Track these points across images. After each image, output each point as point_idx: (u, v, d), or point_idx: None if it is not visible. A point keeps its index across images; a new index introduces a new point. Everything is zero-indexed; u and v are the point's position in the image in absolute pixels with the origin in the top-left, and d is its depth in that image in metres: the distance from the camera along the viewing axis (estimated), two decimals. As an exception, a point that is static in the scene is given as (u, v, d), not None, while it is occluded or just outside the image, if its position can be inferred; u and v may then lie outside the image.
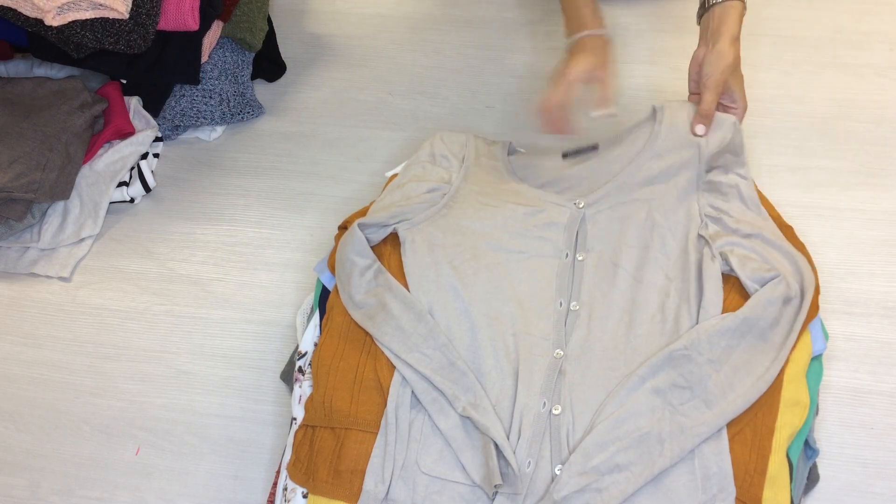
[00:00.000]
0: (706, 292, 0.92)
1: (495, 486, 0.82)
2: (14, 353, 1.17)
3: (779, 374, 0.89)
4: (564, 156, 1.09)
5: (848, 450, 0.99)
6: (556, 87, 1.04)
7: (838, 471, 0.98)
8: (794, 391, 0.90)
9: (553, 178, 1.08)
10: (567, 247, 1.00)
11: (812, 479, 0.95)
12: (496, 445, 0.84)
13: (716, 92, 1.02)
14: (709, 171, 1.03)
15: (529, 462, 0.84)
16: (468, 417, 0.87)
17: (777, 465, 0.85)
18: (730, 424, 0.86)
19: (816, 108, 1.31)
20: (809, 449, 0.94)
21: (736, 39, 1.02)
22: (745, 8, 1.04)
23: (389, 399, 0.89)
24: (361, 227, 1.01)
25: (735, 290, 0.94)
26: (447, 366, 0.90)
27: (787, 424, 0.88)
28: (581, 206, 1.03)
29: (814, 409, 0.93)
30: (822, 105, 1.31)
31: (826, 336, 0.96)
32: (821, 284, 1.00)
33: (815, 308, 0.94)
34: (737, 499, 0.83)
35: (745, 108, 1.06)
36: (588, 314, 0.94)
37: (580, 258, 0.99)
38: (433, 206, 1.04)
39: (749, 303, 0.91)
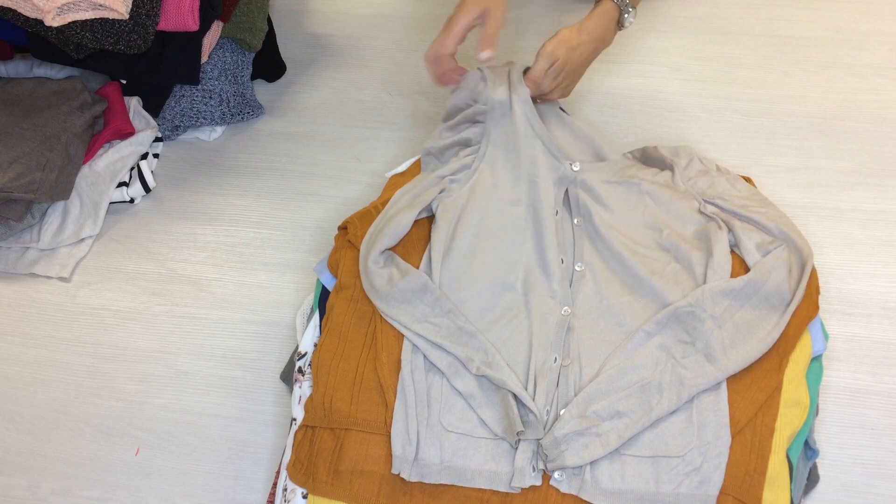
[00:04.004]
0: (715, 254, 0.96)
1: (518, 434, 0.85)
2: (14, 353, 1.17)
3: (779, 375, 0.90)
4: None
5: (848, 450, 0.99)
6: (442, 38, 1.06)
7: (838, 471, 0.98)
8: (794, 391, 0.90)
9: (550, 130, 1.11)
10: (557, 204, 1.04)
11: (812, 479, 0.95)
12: (514, 396, 0.87)
13: (543, 60, 1.06)
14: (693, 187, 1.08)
15: (548, 410, 0.88)
16: (483, 376, 0.90)
17: (777, 466, 0.85)
18: (732, 421, 0.86)
19: (816, 108, 1.31)
20: (809, 449, 0.94)
21: (581, 30, 1.06)
22: (616, 10, 1.08)
23: (403, 366, 0.91)
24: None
25: (743, 269, 0.97)
26: (456, 331, 0.93)
27: (786, 425, 0.88)
28: (575, 168, 1.06)
29: (814, 410, 0.93)
30: (822, 105, 1.31)
31: (826, 336, 0.96)
32: (821, 284, 1.00)
33: (814, 308, 0.94)
34: (737, 499, 0.83)
35: (533, 78, 1.06)
36: (593, 275, 0.98)
37: (577, 222, 1.03)
38: (466, 168, 1.08)
39: (755, 267, 0.95)
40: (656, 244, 1.00)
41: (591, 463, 0.84)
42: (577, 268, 0.99)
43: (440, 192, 1.05)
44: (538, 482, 0.85)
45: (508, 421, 0.86)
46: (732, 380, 0.89)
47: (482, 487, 0.85)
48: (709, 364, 0.88)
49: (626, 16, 1.09)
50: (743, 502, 0.83)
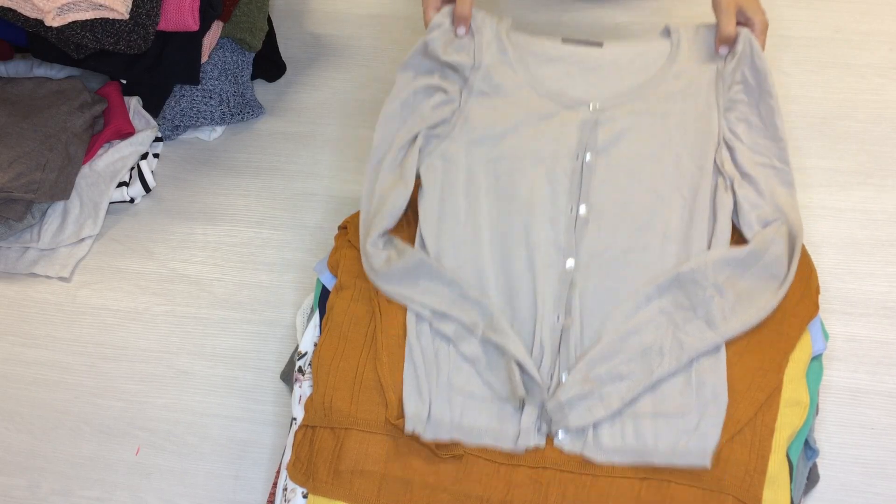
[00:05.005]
0: (718, 221, 0.96)
1: (521, 401, 0.88)
2: (14, 353, 1.17)
3: (779, 375, 0.90)
4: (564, 41, 1.07)
5: (848, 450, 1.00)
6: (426, 17, 1.07)
7: (838, 471, 0.98)
8: (794, 391, 0.90)
9: (564, 80, 1.06)
10: (580, 148, 1.01)
11: (812, 479, 0.95)
12: (517, 363, 0.89)
13: (730, 12, 1.01)
14: (731, 87, 1.02)
15: (550, 373, 0.90)
16: (488, 341, 0.91)
17: (777, 466, 0.85)
18: (728, 420, 0.87)
19: (816, 108, 1.31)
20: (809, 449, 0.94)
21: None
22: None
23: (409, 332, 0.93)
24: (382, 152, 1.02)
25: (738, 236, 0.97)
26: (459, 299, 0.94)
27: (787, 424, 0.88)
28: (595, 107, 1.03)
29: (814, 410, 0.93)
30: (821, 105, 1.31)
31: (826, 336, 0.96)
32: (821, 284, 1.00)
33: (814, 308, 0.94)
34: (737, 498, 0.83)
35: (763, 26, 1.03)
36: (598, 221, 0.97)
37: (589, 159, 1.00)
38: (444, 123, 1.04)
39: (755, 238, 0.95)
40: (679, 193, 0.98)
41: (594, 423, 0.87)
42: (581, 211, 0.97)
43: (419, 151, 1.02)
44: (542, 442, 0.87)
45: (512, 386, 0.88)
46: (733, 379, 0.89)
47: (489, 445, 0.88)
48: (709, 330, 0.90)
49: None
50: (743, 502, 0.83)
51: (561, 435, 0.87)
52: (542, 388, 0.88)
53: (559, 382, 0.89)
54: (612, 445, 0.86)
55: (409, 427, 0.87)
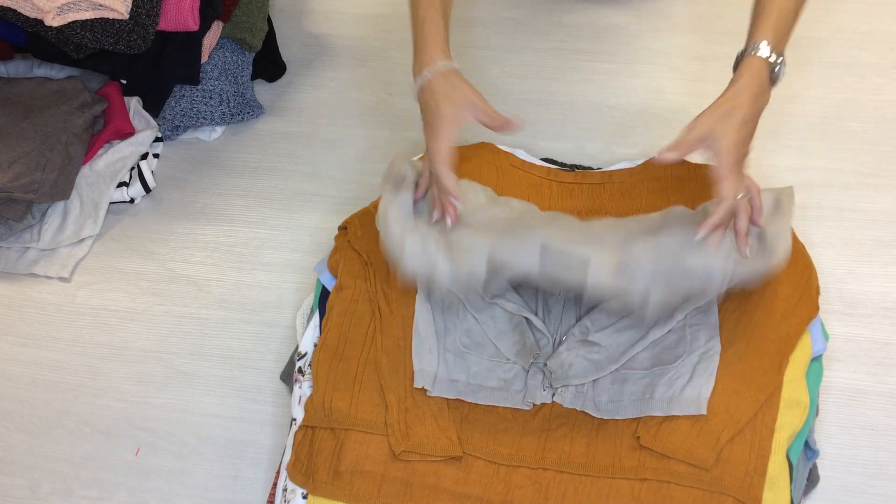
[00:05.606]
0: None
1: (534, 358, 0.93)
2: (14, 353, 1.17)
3: (779, 375, 0.90)
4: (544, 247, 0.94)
5: (848, 451, 0.99)
6: (429, 177, 0.94)
7: (838, 471, 0.98)
8: (794, 392, 0.90)
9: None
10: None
11: (812, 479, 0.95)
12: (528, 322, 0.95)
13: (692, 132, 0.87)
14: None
15: (554, 339, 0.95)
16: (495, 304, 0.96)
17: (777, 466, 0.86)
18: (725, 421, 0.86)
19: (816, 108, 1.31)
20: (809, 450, 0.94)
21: (735, 95, 0.88)
22: (765, 65, 0.88)
23: (416, 312, 0.96)
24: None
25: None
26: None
27: (787, 425, 0.88)
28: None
29: (814, 410, 0.93)
30: (822, 105, 1.31)
31: (826, 337, 0.96)
32: (821, 284, 1.00)
33: (815, 308, 0.95)
34: (737, 499, 0.83)
35: (678, 147, 0.87)
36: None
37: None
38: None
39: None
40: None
41: (594, 381, 0.92)
42: None
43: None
44: (549, 399, 0.91)
45: (523, 345, 0.93)
46: (733, 380, 0.89)
47: (496, 405, 0.91)
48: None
49: (777, 68, 0.89)
50: (743, 502, 0.83)
51: (561, 391, 0.91)
52: (549, 340, 0.93)
53: (561, 342, 0.94)
54: (611, 402, 0.90)
55: (418, 382, 0.91)
